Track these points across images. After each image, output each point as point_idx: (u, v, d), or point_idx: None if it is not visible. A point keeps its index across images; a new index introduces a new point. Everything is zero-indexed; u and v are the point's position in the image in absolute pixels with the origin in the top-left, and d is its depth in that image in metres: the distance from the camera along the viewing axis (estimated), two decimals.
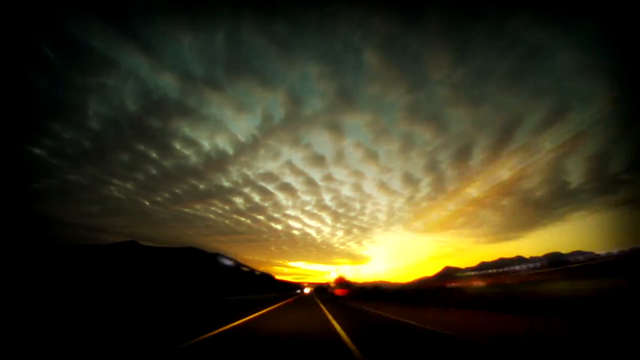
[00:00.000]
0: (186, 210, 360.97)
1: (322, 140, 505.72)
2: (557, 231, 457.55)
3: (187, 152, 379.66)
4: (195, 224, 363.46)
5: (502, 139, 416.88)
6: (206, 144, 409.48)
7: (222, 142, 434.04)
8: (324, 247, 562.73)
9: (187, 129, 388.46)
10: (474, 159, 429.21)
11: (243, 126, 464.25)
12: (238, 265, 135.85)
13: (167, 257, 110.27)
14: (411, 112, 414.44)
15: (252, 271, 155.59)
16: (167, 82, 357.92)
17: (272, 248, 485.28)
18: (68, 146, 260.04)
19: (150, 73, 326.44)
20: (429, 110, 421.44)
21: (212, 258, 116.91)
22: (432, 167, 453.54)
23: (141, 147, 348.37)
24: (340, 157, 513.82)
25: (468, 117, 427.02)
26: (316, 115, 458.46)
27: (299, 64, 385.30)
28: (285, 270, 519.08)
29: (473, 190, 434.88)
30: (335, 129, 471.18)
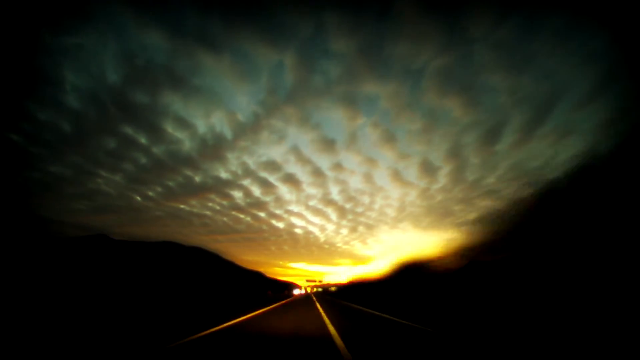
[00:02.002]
0: (181, 206, 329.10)
1: (334, 119, 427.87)
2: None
3: (180, 135, 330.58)
4: (192, 222, 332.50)
5: (539, 116, 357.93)
6: (201, 126, 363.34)
7: (219, 123, 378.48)
8: (326, 246, 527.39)
9: (178, 106, 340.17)
10: (502, 143, 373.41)
11: (243, 101, 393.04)
12: (221, 261, 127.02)
13: (140, 251, 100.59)
14: (442, 79, 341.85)
15: (241, 269, 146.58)
16: (154, 42, 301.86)
17: (273, 248, 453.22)
18: (46, 130, 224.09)
19: (133, 29, 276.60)
20: (462, 78, 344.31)
21: (190, 252, 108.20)
22: (455, 152, 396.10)
23: (128, 129, 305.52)
24: (353, 141, 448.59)
25: (506, 87, 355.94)
26: (330, 84, 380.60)
27: (313, 11, 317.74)
28: (289, 271, 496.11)
29: (493, 181, 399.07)
30: (351, 103, 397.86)
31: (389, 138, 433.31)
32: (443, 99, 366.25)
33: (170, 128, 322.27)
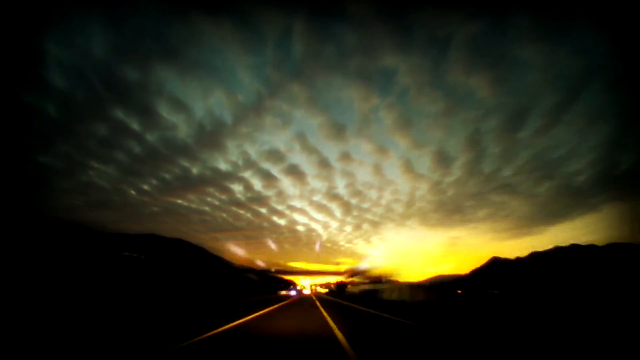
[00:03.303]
0: (179, 201, 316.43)
1: (345, 100, 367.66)
2: (587, 222, 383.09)
3: (175, 119, 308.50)
4: (190, 219, 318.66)
5: (569, 97, 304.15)
6: (198, 108, 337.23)
7: (219, 105, 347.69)
8: (328, 244, 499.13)
9: (173, 84, 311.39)
10: (526, 129, 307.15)
11: (245, 78, 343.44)
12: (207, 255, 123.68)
13: (118, 244, 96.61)
14: (471, 49, 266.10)
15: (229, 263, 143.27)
16: (143, 3, 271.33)
17: (273, 246, 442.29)
18: (32, 115, 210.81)
19: None
20: (492, 49, 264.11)
21: (173, 244, 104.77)
22: (474, 140, 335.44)
23: (119, 113, 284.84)
24: (365, 126, 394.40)
25: (541, 61, 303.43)
26: (343, 56, 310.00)
27: None
28: (290, 270, 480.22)
29: (510, 174, 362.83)
30: (365, 79, 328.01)
31: (404, 123, 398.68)
32: (469, 76, 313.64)
33: (164, 111, 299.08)
